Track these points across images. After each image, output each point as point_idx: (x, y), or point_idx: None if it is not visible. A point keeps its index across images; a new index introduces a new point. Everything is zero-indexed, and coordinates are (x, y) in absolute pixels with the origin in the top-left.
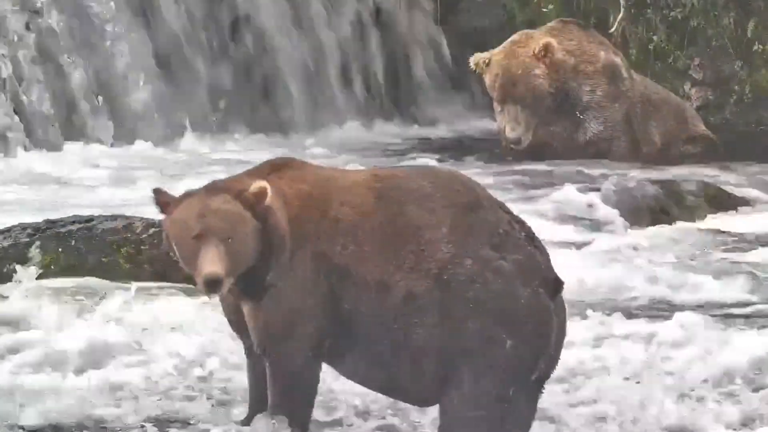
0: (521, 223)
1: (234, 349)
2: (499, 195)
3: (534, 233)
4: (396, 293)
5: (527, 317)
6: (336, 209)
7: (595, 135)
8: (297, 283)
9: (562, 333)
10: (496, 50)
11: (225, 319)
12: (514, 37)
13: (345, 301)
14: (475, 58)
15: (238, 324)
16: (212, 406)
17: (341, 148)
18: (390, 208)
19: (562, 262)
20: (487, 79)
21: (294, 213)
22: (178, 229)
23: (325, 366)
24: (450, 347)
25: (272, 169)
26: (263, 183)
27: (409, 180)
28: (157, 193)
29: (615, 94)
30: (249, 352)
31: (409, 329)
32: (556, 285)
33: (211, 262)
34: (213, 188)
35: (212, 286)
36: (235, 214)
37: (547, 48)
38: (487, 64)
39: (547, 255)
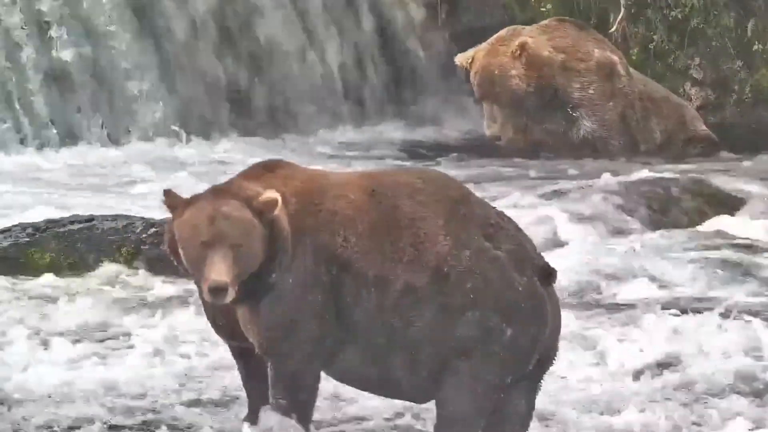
0: (507, 217)
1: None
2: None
3: (519, 226)
4: (395, 287)
5: (524, 305)
6: (332, 202)
7: (590, 133)
8: (298, 278)
9: (557, 322)
10: (481, 47)
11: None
12: (501, 33)
13: (344, 296)
14: (459, 58)
15: (225, 327)
16: (209, 407)
17: (342, 149)
18: (384, 202)
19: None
20: (471, 76)
21: (292, 209)
22: (187, 233)
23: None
24: (449, 339)
25: (265, 169)
26: (275, 194)
27: (399, 177)
28: (167, 194)
29: (610, 93)
30: (237, 353)
31: (408, 322)
32: (548, 273)
33: (219, 270)
34: (221, 193)
35: (218, 293)
36: (246, 221)
37: (522, 47)
38: (471, 62)
39: (534, 245)
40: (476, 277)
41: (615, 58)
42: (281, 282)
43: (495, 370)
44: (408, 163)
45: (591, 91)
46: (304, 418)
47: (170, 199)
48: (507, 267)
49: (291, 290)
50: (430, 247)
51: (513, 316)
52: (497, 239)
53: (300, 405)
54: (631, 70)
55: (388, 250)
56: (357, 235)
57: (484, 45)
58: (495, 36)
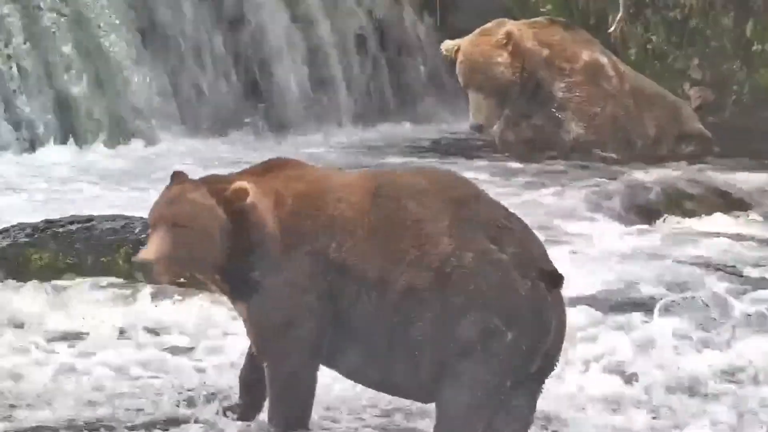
0: (517, 218)
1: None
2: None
3: (530, 228)
4: (397, 288)
5: (527, 309)
6: (333, 206)
7: (580, 136)
8: (292, 281)
9: (561, 327)
10: (466, 37)
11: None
12: (487, 24)
13: (343, 298)
14: (446, 45)
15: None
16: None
17: (341, 149)
18: (388, 204)
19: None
20: (456, 66)
21: (288, 211)
22: (149, 213)
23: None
24: (450, 339)
25: (268, 168)
26: (243, 184)
27: (405, 177)
28: (175, 175)
29: (598, 96)
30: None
31: (410, 322)
32: (553, 278)
33: (149, 248)
34: (201, 181)
35: (142, 269)
36: (202, 206)
37: (509, 36)
38: (457, 51)
39: (543, 249)
40: (479, 279)
41: (604, 59)
42: (271, 282)
43: (495, 372)
44: (413, 161)
45: (577, 93)
46: (301, 423)
47: (174, 179)
48: (510, 270)
49: (284, 292)
50: (433, 248)
51: (514, 319)
52: (503, 241)
53: (296, 406)
54: (623, 67)
55: (390, 251)
56: (356, 237)
57: (469, 36)
58: (480, 27)
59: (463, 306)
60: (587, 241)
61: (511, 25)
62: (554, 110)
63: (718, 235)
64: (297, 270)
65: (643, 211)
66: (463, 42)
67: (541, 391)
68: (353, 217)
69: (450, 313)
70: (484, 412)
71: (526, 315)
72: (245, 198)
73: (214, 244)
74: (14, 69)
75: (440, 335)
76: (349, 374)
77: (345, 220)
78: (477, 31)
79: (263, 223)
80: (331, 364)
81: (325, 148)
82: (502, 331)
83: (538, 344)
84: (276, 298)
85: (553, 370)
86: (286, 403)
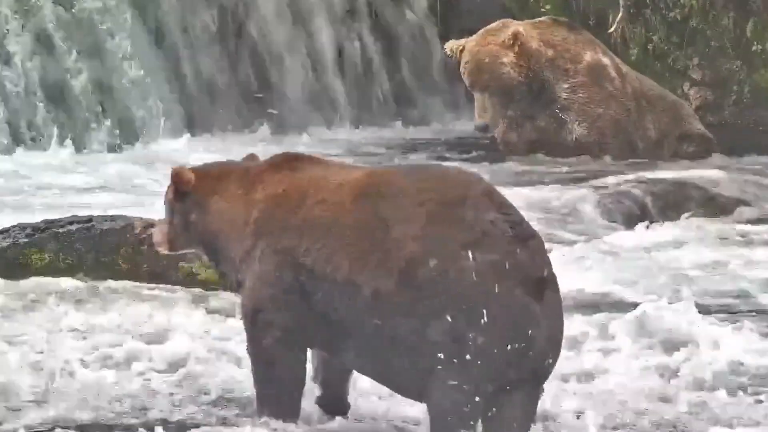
0: (516, 223)
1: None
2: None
3: (531, 233)
4: (364, 290)
5: (498, 315)
6: (309, 209)
7: (583, 137)
8: (258, 275)
9: (555, 333)
10: (471, 38)
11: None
12: (491, 25)
13: (317, 297)
14: (450, 45)
15: None
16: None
17: (340, 150)
18: (366, 206)
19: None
20: (461, 66)
21: (258, 211)
22: None
23: None
24: (420, 344)
25: (273, 166)
26: (178, 168)
27: (396, 177)
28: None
29: (600, 97)
30: None
31: (381, 325)
32: (539, 285)
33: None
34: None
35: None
36: (168, 189)
37: (516, 36)
38: (461, 51)
39: (539, 255)
40: (445, 284)
41: (606, 60)
42: (245, 275)
43: (468, 378)
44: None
45: (581, 94)
46: (290, 411)
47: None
48: (480, 276)
49: (252, 284)
50: (399, 252)
51: (484, 326)
52: (479, 247)
53: (280, 395)
54: (625, 68)
55: (359, 254)
56: (329, 239)
57: (474, 36)
58: (485, 28)
59: (429, 310)
60: (588, 242)
61: (516, 26)
62: (558, 111)
63: (717, 235)
64: (263, 266)
65: (644, 212)
66: (468, 42)
67: (540, 396)
68: (330, 218)
69: (417, 317)
70: (469, 416)
71: (498, 321)
72: (185, 182)
73: (173, 225)
74: (14, 68)
75: (411, 339)
76: (352, 367)
77: (318, 222)
78: (482, 31)
79: (211, 218)
80: (335, 357)
81: (325, 149)
82: (470, 337)
83: (519, 350)
84: (246, 288)
85: (548, 374)
86: (269, 390)
